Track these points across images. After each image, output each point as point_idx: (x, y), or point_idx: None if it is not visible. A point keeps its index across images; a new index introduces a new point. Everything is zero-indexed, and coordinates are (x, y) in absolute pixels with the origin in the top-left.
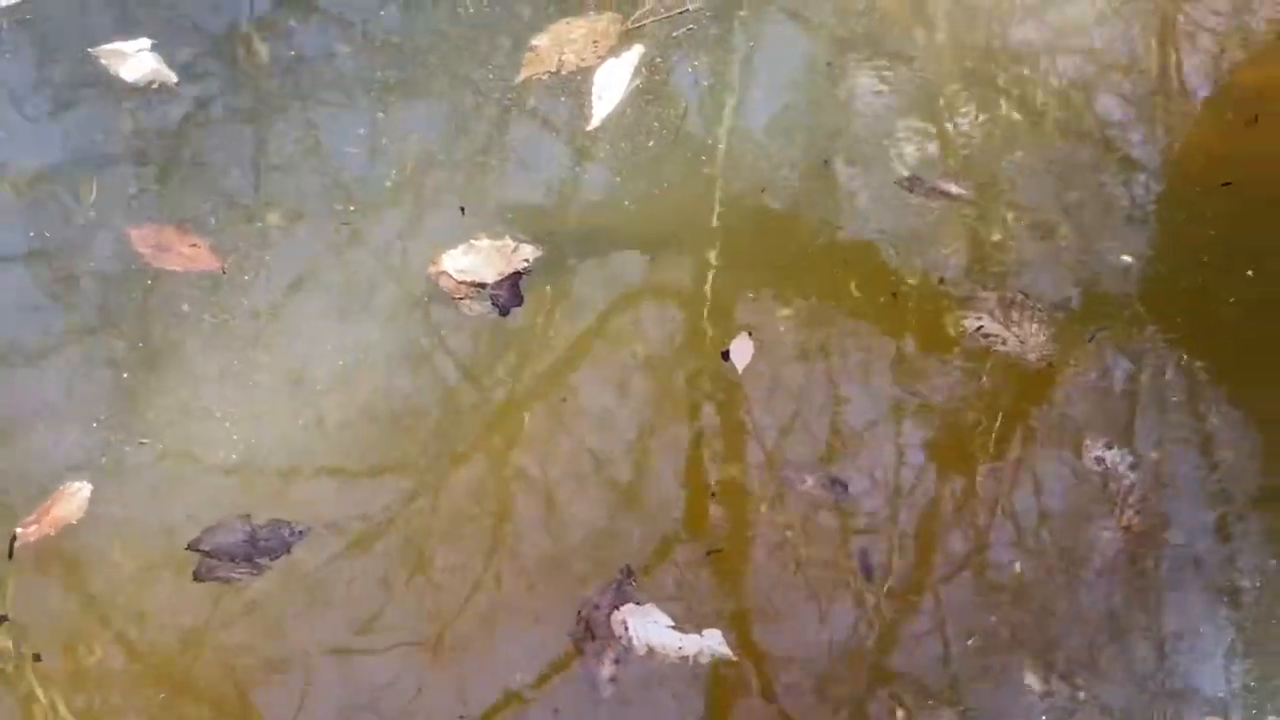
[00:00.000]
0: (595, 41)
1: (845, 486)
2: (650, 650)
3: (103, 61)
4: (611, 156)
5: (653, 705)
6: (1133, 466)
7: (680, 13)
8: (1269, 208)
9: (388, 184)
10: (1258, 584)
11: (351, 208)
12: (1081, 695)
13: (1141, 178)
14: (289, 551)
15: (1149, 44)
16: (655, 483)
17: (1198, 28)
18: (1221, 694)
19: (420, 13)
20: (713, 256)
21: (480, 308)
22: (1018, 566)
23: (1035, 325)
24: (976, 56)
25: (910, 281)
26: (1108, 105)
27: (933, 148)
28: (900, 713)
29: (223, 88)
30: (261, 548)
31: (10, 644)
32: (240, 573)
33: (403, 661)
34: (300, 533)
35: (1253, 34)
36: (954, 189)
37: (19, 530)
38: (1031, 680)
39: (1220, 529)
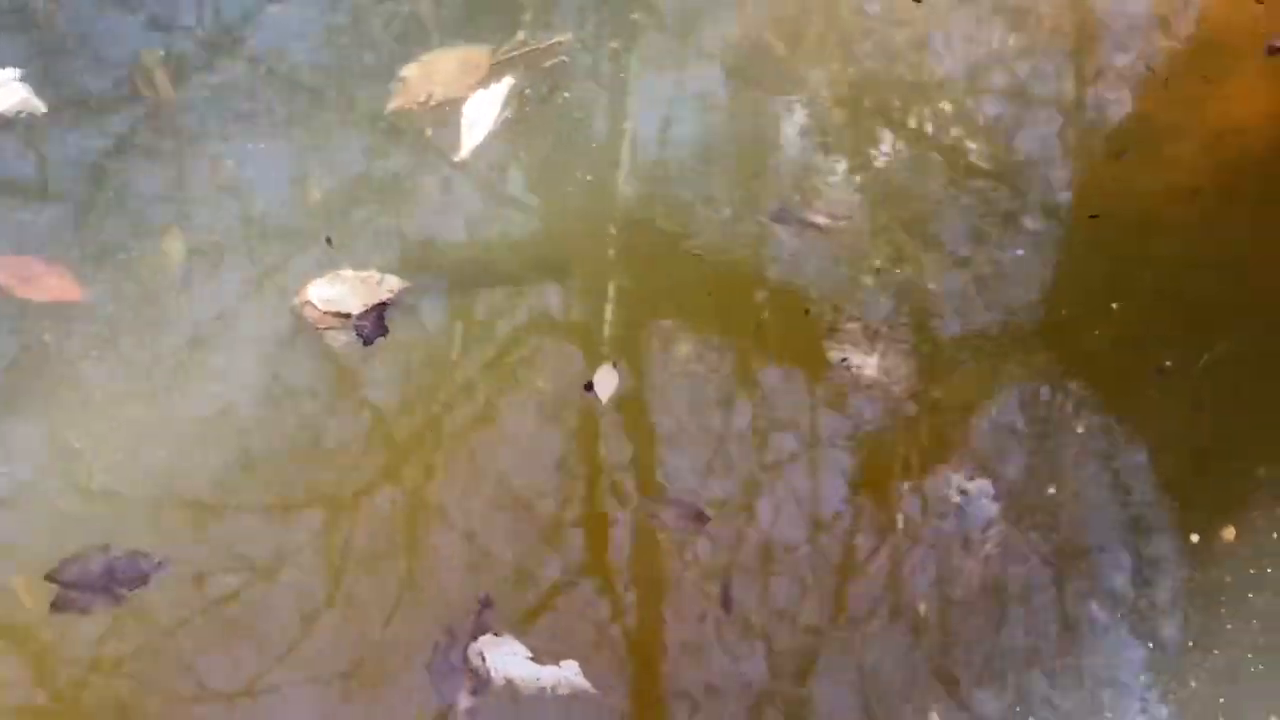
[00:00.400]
0: (465, 72)
1: (707, 518)
2: (508, 682)
3: None
4: (482, 187)
5: None
6: (995, 498)
7: (551, 44)
8: (1132, 241)
9: (252, 215)
10: (1119, 615)
11: (215, 239)
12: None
13: (1009, 209)
14: (146, 582)
15: (1023, 76)
16: (521, 513)
17: (1071, 61)
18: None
19: (285, 44)
20: (586, 287)
21: (345, 338)
22: (881, 601)
23: (899, 357)
24: (848, 88)
25: (777, 313)
26: (978, 137)
27: (802, 179)
28: None
29: (92, 122)
30: (119, 578)
31: None
32: (99, 604)
33: (307, 697)
34: (159, 564)
35: (1123, 69)
36: (821, 220)
37: None
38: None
39: (1082, 557)
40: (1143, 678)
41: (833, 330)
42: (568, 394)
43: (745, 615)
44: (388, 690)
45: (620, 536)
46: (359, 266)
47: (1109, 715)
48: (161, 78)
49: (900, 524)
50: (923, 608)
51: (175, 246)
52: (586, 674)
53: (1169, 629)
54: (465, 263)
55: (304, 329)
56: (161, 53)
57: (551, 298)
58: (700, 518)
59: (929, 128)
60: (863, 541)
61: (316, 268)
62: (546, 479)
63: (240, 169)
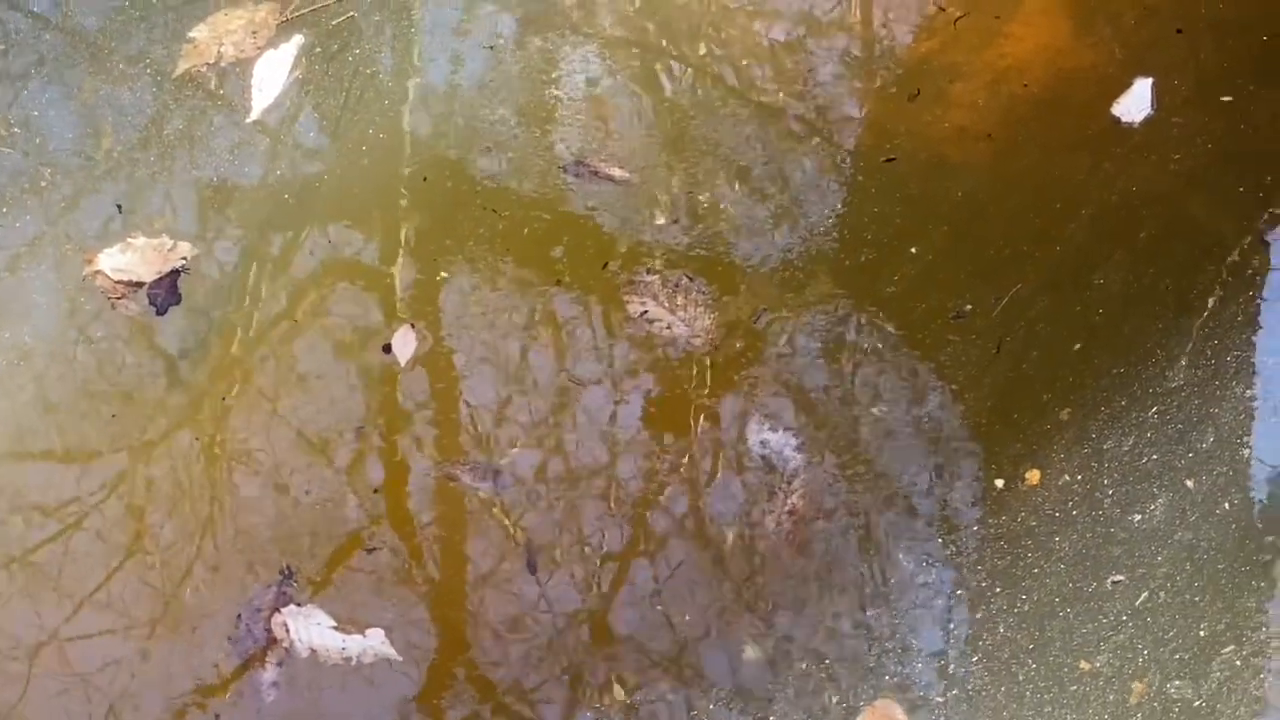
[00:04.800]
0: (254, 32)
1: (505, 478)
2: (313, 652)
3: None
4: (274, 148)
5: (319, 708)
6: (798, 449)
7: (339, 0)
8: (928, 183)
9: (41, 182)
10: (925, 560)
11: (2, 209)
12: (800, 663)
13: (807, 157)
14: None
15: (816, 15)
16: (321, 478)
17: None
18: (910, 669)
19: (66, 5)
20: (380, 244)
21: (137, 307)
22: (685, 553)
23: (700, 309)
24: (643, 33)
25: (575, 268)
26: (772, 83)
27: (597, 130)
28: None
29: None
30: None
31: None
32: None
33: (110, 645)
34: None
35: (914, 8)
36: (617, 172)
37: None
38: (751, 653)
39: (887, 503)
40: (950, 623)
41: (631, 283)
42: (366, 345)
43: (551, 557)
44: (189, 641)
45: (419, 497)
46: (151, 227)
47: (919, 647)
48: None
49: (705, 470)
50: (729, 539)
51: None
52: (392, 640)
53: (975, 574)
54: (260, 213)
55: (94, 297)
56: None
57: (346, 249)
58: (498, 476)
59: (724, 73)
60: (669, 485)
61: (107, 233)
62: (346, 427)
63: (28, 127)
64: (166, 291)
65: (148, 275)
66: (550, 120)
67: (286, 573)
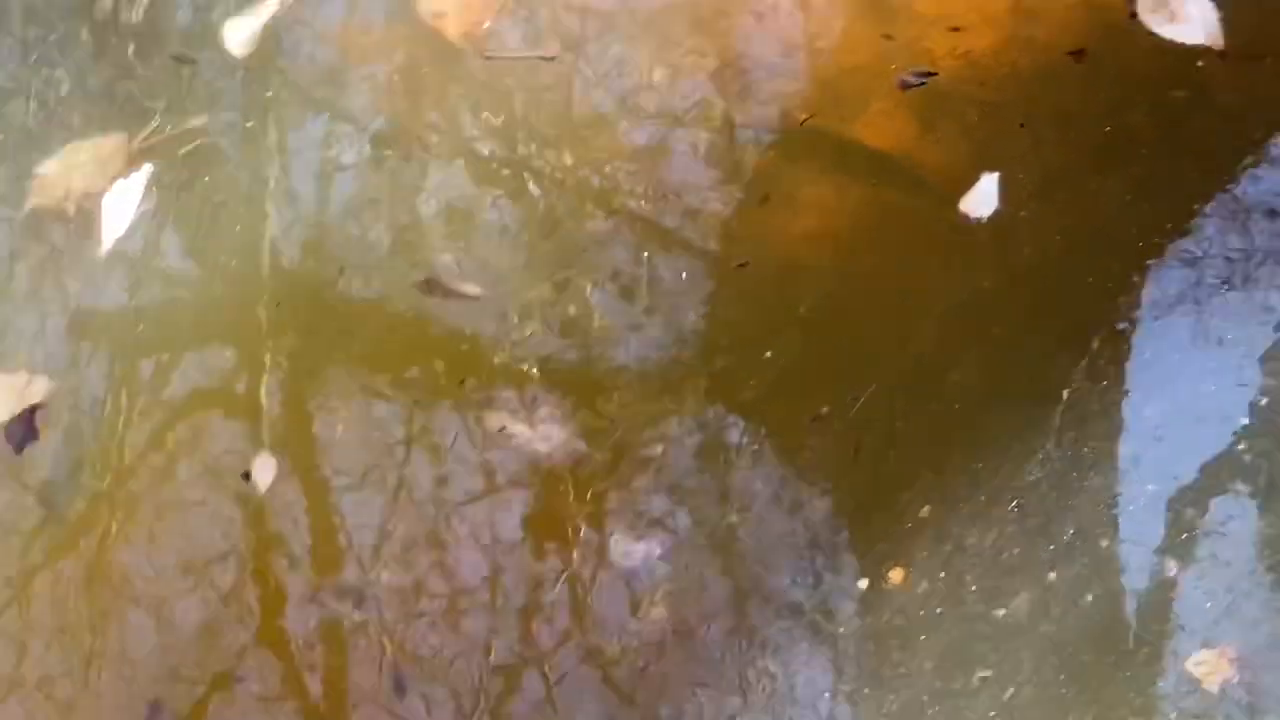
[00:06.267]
0: (103, 164)
1: (375, 600)
2: None
3: None
4: (128, 278)
5: None
6: (662, 558)
7: (187, 129)
8: (780, 287)
9: None
10: (792, 666)
11: None
12: None
13: (661, 266)
14: None
15: (660, 122)
16: (188, 608)
17: (708, 106)
18: None
19: None
20: (240, 370)
21: None
22: (568, 666)
23: (558, 424)
24: (494, 143)
25: (432, 387)
26: (625, 192)
27: (451, 247)
28: None
29: None
30: None
31: None
32: None
33: None
34: None
35: (761, 112)
36: (470, 289)
37: None
38: None
39: (754, 607)
40: None
41: (489, 399)
42: (229, 472)
43: (429, 675)
44: None
45: (290, 622)
46: (6, 364)
47: None
48: None
49: (576, 583)
50: (606, 649)
51: None
52: None
53: (843, 676)
54: (118, 345)
55: None
56: None
57: (210, 375)
58: (364, 600)
59: (570, 182)
60: (541, 599)
61: None
62: (212, 556)
63: None
64: (24, 429)
65: (3, 414)
66: (405, 239)
67: (154, 708)
